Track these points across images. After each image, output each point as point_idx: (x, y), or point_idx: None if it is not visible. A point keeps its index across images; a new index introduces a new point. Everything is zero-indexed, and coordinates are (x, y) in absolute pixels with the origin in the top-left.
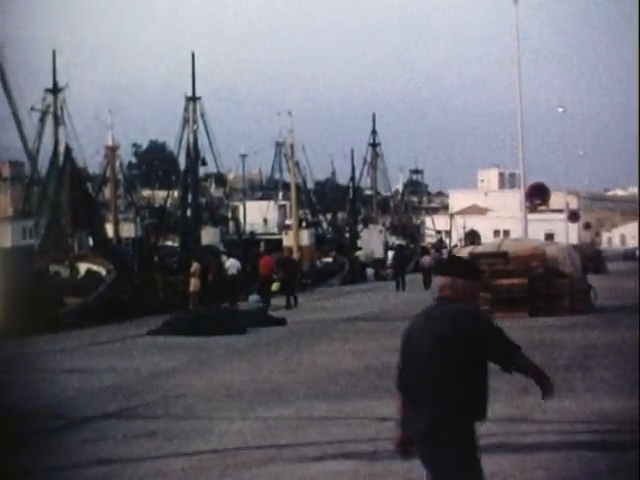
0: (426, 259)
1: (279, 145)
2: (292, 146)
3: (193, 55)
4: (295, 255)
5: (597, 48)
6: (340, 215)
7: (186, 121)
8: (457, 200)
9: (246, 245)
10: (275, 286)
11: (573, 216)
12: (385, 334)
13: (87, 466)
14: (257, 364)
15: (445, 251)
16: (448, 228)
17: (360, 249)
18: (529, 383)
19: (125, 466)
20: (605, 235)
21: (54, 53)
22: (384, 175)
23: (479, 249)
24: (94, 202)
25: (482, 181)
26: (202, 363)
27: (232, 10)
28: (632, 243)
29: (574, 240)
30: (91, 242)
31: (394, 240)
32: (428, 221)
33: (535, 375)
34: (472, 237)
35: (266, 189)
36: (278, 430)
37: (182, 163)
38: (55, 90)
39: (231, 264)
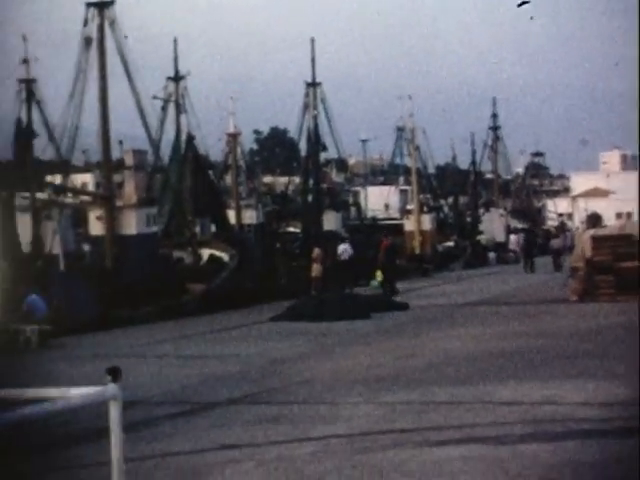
0: (556, 241)
1: (400, 130)
2: (413, 130)
3: (312, 41)
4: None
5: None
6: (461, 199)
7: (306, 107)
8: (579, 183)
9: (368, 230)
10: (379, 276)
11: None
12: (509, 318)
13: (212, 451)
14: (380, 349)
15: (569, 234)
16: (570, 211)
17: (482, 233)
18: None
19: (250, 451)
20: None
21: (175, 41)
22: (505, 158)
23: (602, 232)
24: (216, 189)
25: (604, 163)
26: (326, 348)
27: None
28: None
29: None
30: (214, 228)
31: (515, 224)
32: (550, 204)
33: None
34: (594, 220)
35: (387, 174)
36: (402, 415)
37: (303, 149)
38: (177, 78)
39: (343, 249)
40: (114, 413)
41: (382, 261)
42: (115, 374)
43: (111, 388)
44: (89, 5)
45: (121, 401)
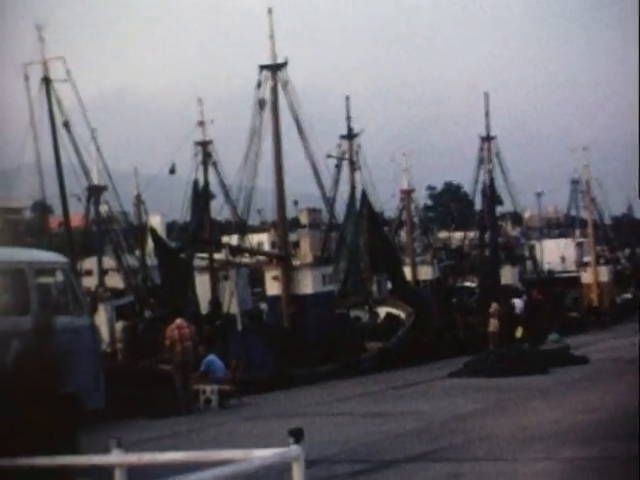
0: None
1: (575, 182)
2: (588, 182)
3: (486, 95)
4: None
5: None
6: (639, 250)
7: (481, 161)
8: None
9: (544, 284)
10: (519, 332)
11: None
12: None
13: None
14: (559, 404)
15: None
16: None
17: None
18: None
19: None
20: None
21: (347, 99)
22: None
23: None
24: (392, 246)
25: None
26: (504, 404)
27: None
28: None
29: None
30: (390, 286)
31: None
32: None
33: None
34: None
35: (563, 226)
36: (582, 471)
37: (478, 203)
38: (350, 136)
39: (518, 303)
40: (297, 474)
41: (525, 316)
42: (298, 435)
43: (294, 449)
44: (262, 68)
45: (304, 462)
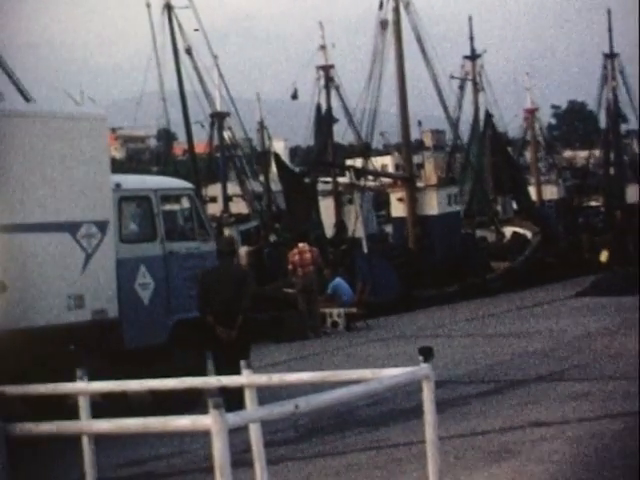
0: None
1: None
2: None
3: (609, 12)
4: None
5: None
6: None
7: (605, 79)
8: None
9: None
10: (604, 256)
11: None
12: None
13: (522, 429)
14: None
15: None
16: None
17: None
18: None
19: (560, 428)
20: None
21: (470, 19)
22: None
23: None
24: (516, 166)
25: None
26: (632, 323)
27: None
28: None
29: None
30: (515, 206)
31: None
32: None
33: None
34: None
35: None
36: None
37: (603, 121)
38: (473, 56)
39: None
40: (427, 392)
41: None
42: (427, 354)
43: (424, 368)
44: None
45: (434, 380)
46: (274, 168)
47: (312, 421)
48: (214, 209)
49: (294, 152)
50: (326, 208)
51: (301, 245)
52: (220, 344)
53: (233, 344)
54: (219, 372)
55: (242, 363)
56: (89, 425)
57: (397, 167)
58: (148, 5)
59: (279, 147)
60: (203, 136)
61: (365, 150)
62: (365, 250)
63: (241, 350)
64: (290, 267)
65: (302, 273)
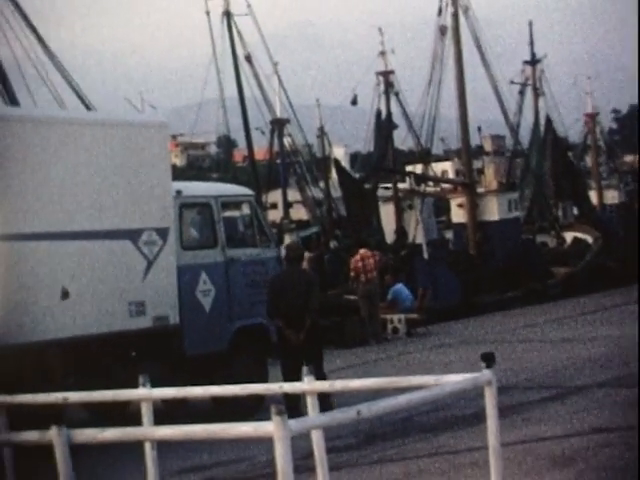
0: None
1: None
2: None
3: None
4: None
5: None
6: None
7: None
8: None
9: None
10: None
11: None
12: None
13: (583, 435)
14: None
15: None
16: None
17: None
18: None
19: (621, 434)
20: None
21: (530, 24)
22: None
23: None
24: (577, 170)
25: None
26: None
27: None
28: None
29: None
30: (576, 211)
31: None
32: None
33: None
34: None
35: None
36: None
37: None
38: (533, 61)
39: None
40: (490, 398)
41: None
42: (489, 360)
43: (486, 374)
44: None
45: (496, 386)
46: (334, 174)
47: (373, 427)
48: (274, 215)
49: (354, 158)
50: (386, 214)
51: (362, 251)
52: (289, 349)
53: (302, 349)
54: (286, 378)
55: (304, 370)
56: (153, 431)
57: (457, 173)
58: (207, 13)
59: (339, 153)
60: (263, 143)
61: (425, 156)
62: (426, 256)
63: (311, 355)
64: (352, 273)
65: (365, 279)
